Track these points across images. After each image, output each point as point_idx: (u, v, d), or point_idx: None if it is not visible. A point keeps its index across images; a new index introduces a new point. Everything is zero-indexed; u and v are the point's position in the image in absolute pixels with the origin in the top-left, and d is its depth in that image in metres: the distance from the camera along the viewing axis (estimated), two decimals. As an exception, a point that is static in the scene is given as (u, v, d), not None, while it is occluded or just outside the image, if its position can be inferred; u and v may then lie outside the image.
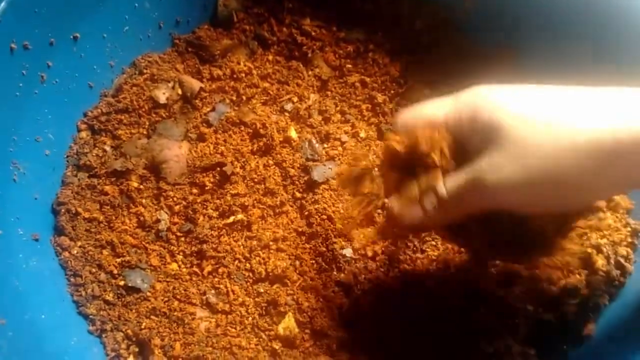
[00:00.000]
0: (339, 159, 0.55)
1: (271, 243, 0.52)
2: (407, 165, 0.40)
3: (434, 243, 0.50)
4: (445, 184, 0.37)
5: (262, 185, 0.54)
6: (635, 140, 0.31)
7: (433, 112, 0.39)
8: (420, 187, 0.39)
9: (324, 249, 0.51)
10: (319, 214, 0.52)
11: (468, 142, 0.37)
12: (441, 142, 0.37)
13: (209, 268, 0.51)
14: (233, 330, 0.49)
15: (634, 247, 0.47)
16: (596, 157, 0.32)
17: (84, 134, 0.56)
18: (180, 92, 0.57)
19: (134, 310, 0.50)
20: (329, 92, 0.59)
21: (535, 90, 0.36)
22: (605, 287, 0.45)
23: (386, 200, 0.42)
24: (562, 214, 0.42)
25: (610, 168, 0.33)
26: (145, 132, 0.56)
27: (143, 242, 0.52)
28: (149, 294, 0.50)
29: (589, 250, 0.46)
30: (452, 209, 0.38)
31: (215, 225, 0.52)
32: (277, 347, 0.48)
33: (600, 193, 0.38)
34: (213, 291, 0.51)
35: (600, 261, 0.45)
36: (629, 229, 0.47)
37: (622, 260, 0.45)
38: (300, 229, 0.52)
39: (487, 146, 0.35)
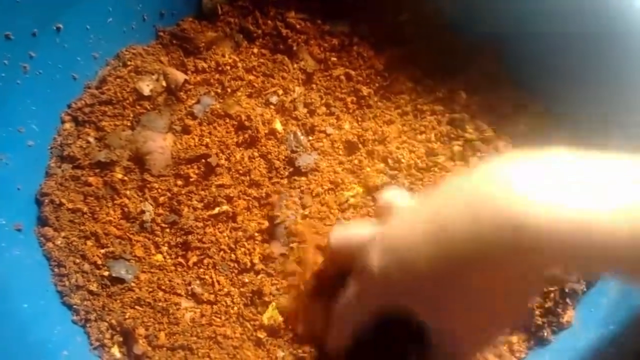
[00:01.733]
0: (323, 150, 0.55)
1: (256, 234, 0.52)
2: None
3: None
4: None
5: (247, 177, 0.54)
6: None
7: (359, 233, 0.40)
8: None
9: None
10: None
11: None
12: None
13: (194, 259, 0.51)
14: (218, 320, 0.49)
15: None
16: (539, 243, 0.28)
17: (67, 125, 0.55)
18: (164, 84, 0.57)
19: (118, 301, 0.50)
20: (314, 85, 0.59)
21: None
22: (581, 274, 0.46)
23: None
24: None
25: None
26: (129, 124, 0.56)
27: (127, 233, 0.52)
28: (133, 284, 0.50)
29: None
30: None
31: (200, 216, 0.52)
32: (262, 337, 0.48)
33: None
34: (198, 282, 0.51)
35: None
36: None
37: None
38: (285, 220, 0.53)
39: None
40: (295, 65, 0.60)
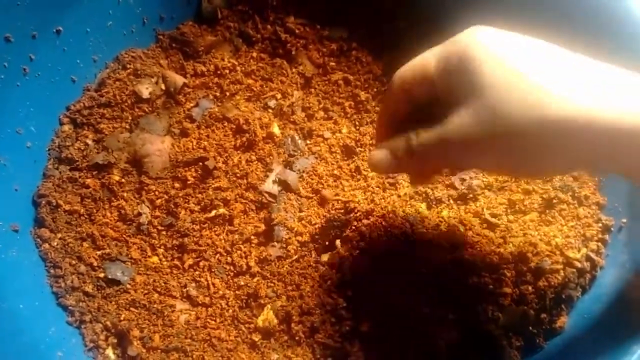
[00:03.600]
0: (321, 154, 0.55)
1: (253, 237, 0.52)
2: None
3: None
4: (420, 136, 0.38)
5: (245, 180, 0.54)
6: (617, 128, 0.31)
7: (426, 57, 0.38)
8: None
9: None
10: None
11: (454, 89, 0.36)
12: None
13: (190, 261, 0.51)
14: (213, 322, 0.49)
15: (604, 242, 0.47)
16: (567, 136, 0.32)
17: (66, 128, 0.56)
18: (163, 87, 0.58)
19: (113, 302, 0.50)
20: (312, 90, 0.60)
21: (534, 48, 0.35)
22: (578, 280, 0.46)
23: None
24: None
25: (583, 150, 0.33)
26: (127, 127, 0.56)
27: (124, 235, 0.52)
28: (128, 286, 0.50)
29: (558, 240, 0.47)
30: (419, 160, 0.39)
31: (197, 219, 0.52)
32: (256, 339, 0.48)
33: (562, 170, 0.39)
34: (193, 284, 0.51)
35: (572, 254, 0.46)
36: (600, 224, 0.48)
37: (592, 255, 0.46)
38: (282, 224, 0.53)
39: (464, 101, 0.34)
40: (294, 70, 0.60)
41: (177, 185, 0.54)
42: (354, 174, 0.55)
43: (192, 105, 0.58)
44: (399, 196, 0.53)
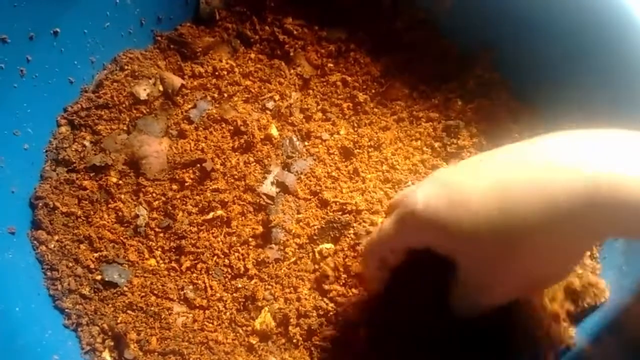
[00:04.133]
0: (319, 156, 0.55)
1: (251, 239, 0.52)
2: None
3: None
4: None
5: (243, 182, 0.54)
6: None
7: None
8: None
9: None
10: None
11: None
12: None
13: (187, 264, 0.51)
14: (210, 325, 0.49)
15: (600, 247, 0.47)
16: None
17: (63, 129, 0.55)
18: (161, 88, 0.58)
19: (110, 305, 0.50)
20: (310, 91, 0.60)
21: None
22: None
23: None
24: None
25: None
26: (125, 128, 0.56)
27: (121, 238, 0.52)
28: (125, 288, 0.50)
29: None
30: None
31: (195, 221, 0.52)
32: (254, 342, 0.48)
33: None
34: (191, 286, 0.51)
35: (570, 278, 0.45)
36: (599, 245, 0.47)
37: (590, 273, 0.45)
38: (280, 226, 0.53)
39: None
40: (292, 71, 0.60)
41: (174, 187, 0.54)
42: (352, 175, 0.54)
43: (189, 106, 0.58)
44: None
